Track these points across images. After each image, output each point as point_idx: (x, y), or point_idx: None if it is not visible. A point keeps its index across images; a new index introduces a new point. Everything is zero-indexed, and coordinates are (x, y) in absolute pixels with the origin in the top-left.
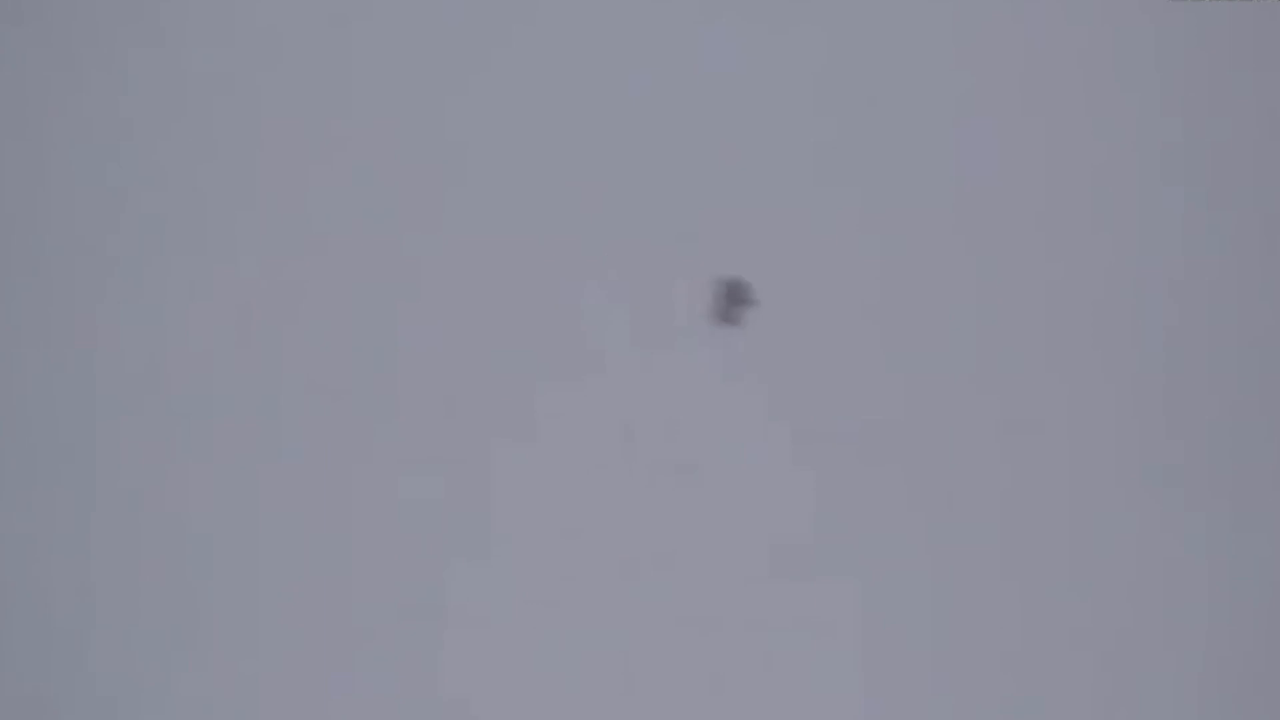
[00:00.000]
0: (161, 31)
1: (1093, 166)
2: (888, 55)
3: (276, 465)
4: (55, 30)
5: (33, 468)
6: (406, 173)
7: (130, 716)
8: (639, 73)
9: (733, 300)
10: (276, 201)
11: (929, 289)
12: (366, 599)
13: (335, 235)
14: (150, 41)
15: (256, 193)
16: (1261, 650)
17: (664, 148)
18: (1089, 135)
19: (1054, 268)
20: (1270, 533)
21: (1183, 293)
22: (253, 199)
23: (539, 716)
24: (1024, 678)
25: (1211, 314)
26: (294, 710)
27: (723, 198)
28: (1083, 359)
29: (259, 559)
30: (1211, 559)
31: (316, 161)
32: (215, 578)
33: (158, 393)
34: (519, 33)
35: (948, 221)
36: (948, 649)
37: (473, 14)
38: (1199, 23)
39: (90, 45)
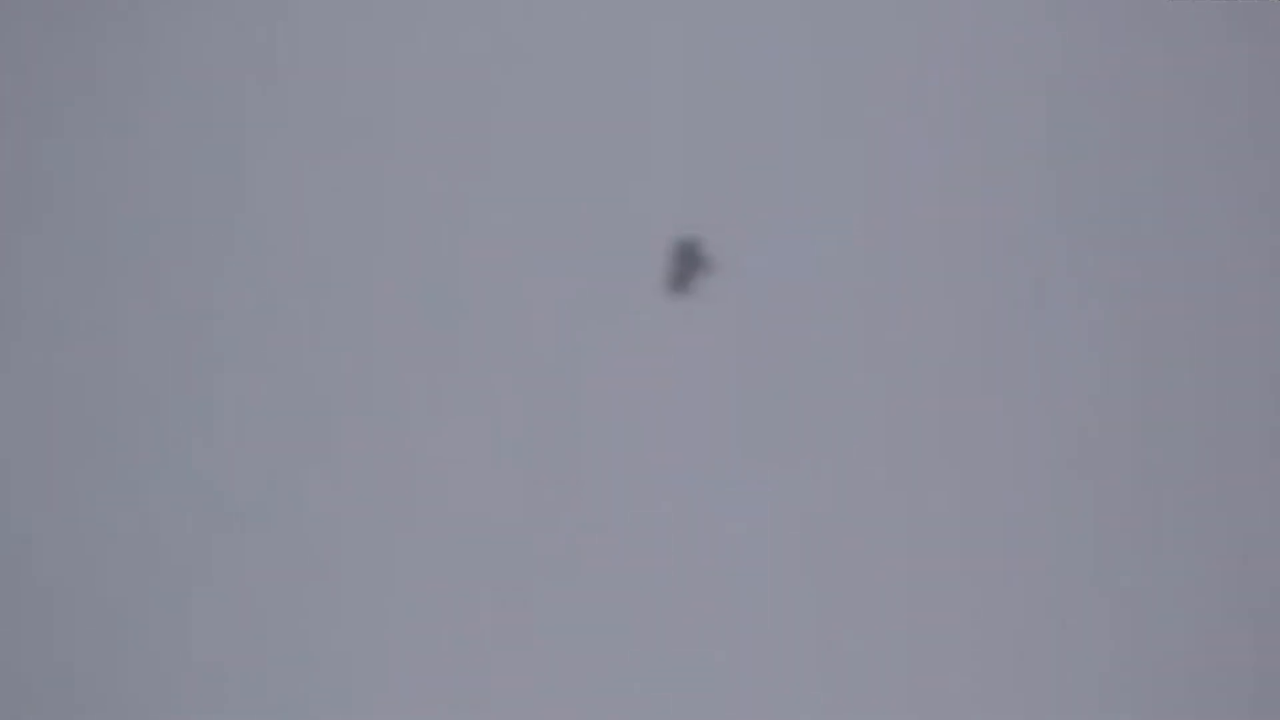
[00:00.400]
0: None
1: (1091, 165)
2: (878, 50)
3: (263, 464)
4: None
5: (32, 467)
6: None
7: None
8: (601, 70)
9: (686, 263)
10: (258, 197)
11: (927, 287)
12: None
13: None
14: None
15: (243, 189)
16: (1259, 651)
17: (660, 147)
18: (1089, 135)
19: (1054, 266)
20: (1267, 533)
21: (1181, 291)
22: (239, 195)
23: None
24: (1020, 676)
25: (1211, 312)
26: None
27: (707, 197)
28: (1083, 359)
29: (260, 556)
30: (1209, 560)
31: (307, 159)
32: (211, 575)
33: (172, 388)
34: (479, 25)
35: (948, 221)
36: (946, 647)
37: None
38: (1199, 23)
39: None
